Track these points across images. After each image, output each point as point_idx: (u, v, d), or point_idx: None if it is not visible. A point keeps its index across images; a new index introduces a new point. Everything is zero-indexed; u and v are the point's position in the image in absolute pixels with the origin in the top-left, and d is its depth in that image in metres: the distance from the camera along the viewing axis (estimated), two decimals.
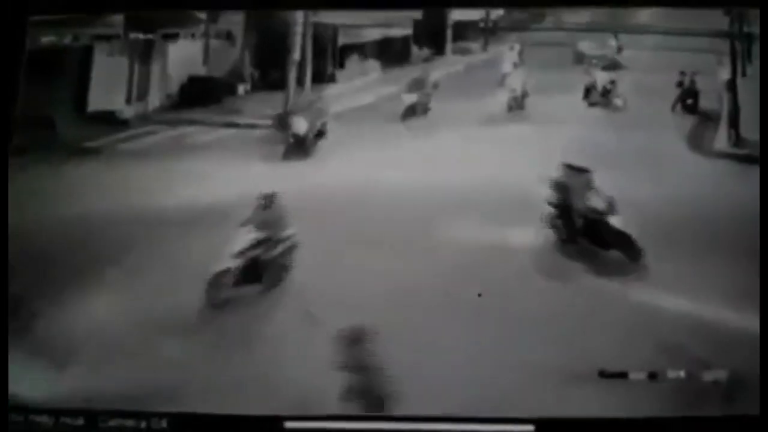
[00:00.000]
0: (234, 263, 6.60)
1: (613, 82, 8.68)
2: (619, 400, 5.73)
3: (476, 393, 5.75)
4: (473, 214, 7.02)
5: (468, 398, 5.75)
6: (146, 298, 6.43)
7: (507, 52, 9.05)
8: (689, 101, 8.29)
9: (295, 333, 6.17)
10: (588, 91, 8.72)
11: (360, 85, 9.10)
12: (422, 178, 7.37)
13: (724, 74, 7.93)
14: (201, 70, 8.71)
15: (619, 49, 9.09)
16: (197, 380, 5.90)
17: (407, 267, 6.64)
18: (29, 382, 5.86)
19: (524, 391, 5.76)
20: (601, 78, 8.74)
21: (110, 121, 8.03)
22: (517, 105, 8.66)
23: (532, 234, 6.87)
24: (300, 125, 8.22)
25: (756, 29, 6.54)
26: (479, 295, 6.31)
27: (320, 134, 8.27)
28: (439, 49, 9.55)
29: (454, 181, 7.23)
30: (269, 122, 8.35)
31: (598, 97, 8.61)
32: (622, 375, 5.81)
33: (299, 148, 8.13)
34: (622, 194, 6.96)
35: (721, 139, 8.01)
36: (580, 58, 9.29)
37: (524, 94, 8.68)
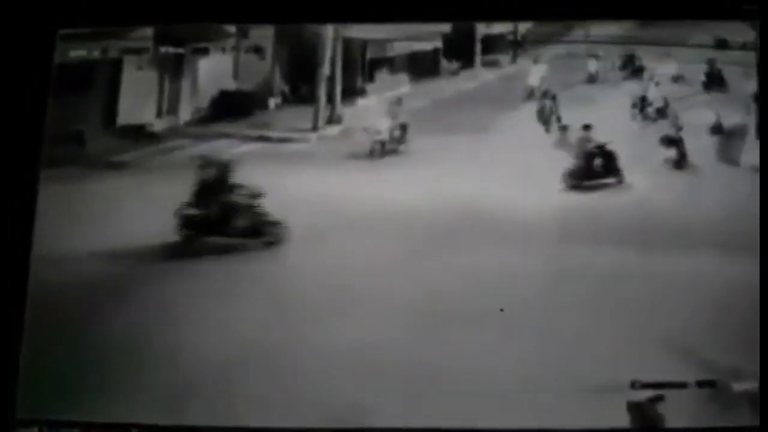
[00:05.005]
0: None
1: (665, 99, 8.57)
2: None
3: (503, 406, 5.77)
4: (498, 230, 6.96)
5: (495, 411, 5.76)
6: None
7: (532, 66, 8.95)
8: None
9: None
10: (640, 105, 8.58)
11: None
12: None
13: (751, 86, 7.75)
14: (231, 84, 8.57)
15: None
16: None
17: (434, 282, 6.56)
18: None
19: (552, 402, 5.78)
20: (653, 94, 8.64)
21: (140, 134, 7.88)
22: (546, 119, 8.50)
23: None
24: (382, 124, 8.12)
25: None
26: (501, 310, 6.28)
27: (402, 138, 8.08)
28: (468, 62, 9.48)
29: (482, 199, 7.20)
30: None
31: (655, 114, 8.48)
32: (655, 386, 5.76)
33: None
34: (652, 205, 7.06)
35: (749, 151, 7.86)
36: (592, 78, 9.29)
37: (553, 109, 8.52)
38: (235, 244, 7.11)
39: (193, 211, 7.03)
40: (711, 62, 8.56)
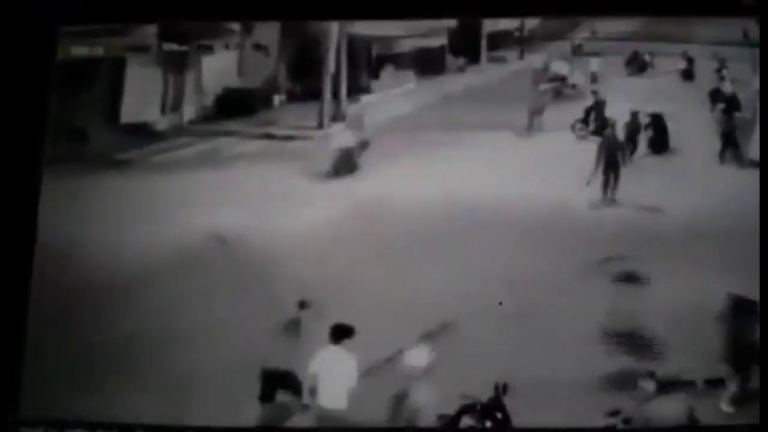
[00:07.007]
0: None
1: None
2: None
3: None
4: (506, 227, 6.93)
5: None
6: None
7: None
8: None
9: None
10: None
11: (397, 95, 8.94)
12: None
13: (757, 83, 7.72)
14: (236, 82, 8.52)
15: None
16: None
17: (440, 275, 6.57)
18: None
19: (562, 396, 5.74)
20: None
21: (144, 132, 7.84)
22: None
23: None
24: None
25: None
26: (500, 303, 6.30)
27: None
28: (474, 59, 9.43)
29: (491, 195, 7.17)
30: None
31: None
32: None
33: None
34: (657, 202, 7.12)
35: (754, 147, 7.81)
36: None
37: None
38: None
39: None
40: (719, 58, 8.51)
